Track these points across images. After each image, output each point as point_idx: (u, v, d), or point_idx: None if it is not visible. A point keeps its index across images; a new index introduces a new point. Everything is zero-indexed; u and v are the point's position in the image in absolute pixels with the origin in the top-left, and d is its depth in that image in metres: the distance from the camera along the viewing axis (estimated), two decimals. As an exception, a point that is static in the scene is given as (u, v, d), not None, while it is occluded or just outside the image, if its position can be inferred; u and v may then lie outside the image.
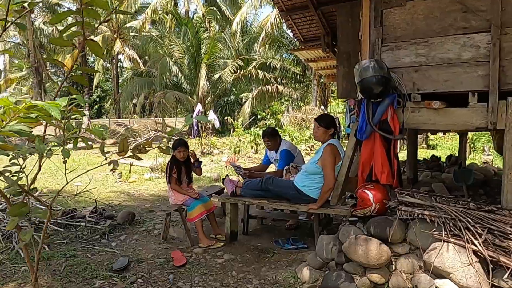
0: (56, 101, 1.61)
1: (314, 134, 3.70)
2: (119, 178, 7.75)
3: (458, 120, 2.97)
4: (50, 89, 23.87)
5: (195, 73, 20.03)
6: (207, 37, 20.05)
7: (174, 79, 21.38)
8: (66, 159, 1.78)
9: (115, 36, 24.03)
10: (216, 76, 20.76)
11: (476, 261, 2.44)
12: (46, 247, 3.73)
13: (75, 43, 1.84)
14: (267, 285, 3.00)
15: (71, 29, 1.67)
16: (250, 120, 20.51)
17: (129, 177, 7.87)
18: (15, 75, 26.58)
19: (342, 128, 10.66)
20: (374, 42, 3.22)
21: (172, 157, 4.06)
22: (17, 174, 1.88)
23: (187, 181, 4.14)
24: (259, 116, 21.32)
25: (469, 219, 2.56)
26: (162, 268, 3.31)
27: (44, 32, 22.77)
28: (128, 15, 24.32)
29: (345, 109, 9.59)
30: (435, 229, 2.66)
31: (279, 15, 13.88)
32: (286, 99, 22.16)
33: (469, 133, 9.85)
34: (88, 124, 18.86)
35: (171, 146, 4.16)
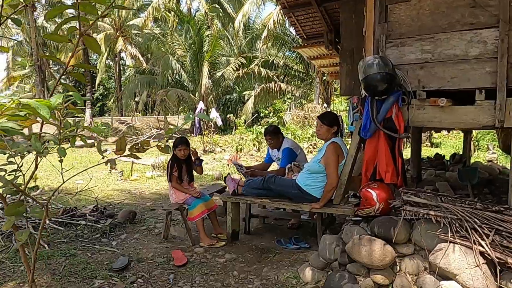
0: (51, 98, 1.57)
1: (317, 132, 3.64)
2: (120, 176, 7.72)
3: (464, 118, 2.90)
4: (53, 87, 23.88)
5: (197, 71, 19.96)
6: (209, 35, 19.97)
7: (176, 77, 21.32)
8: (62, 157, 1.74)
9: (117, 34, 24.00)
10: (219, 74, 20.68)
11: (483, 263, 2.38)
12: (46, 246, 3.70)
13: (71, 39, 1.79)
14: (269, 286, 2.95)
15: (72, 26, 1.63)
16: (253, 118, 20.44)
17: (131, 175, 7.85)
18: (18, 73, 26.63)
19: (345, 126, 10.59)
20: (379, 38, 3.15)
21: (173, 155, 4.01)
22: (14, 173, 1.84)
23: (188, 180, 4.09)
24: (261, 114, 21.25)
25: (476, 220, 2.50)
26: (163, 268, 3.27)
27: (47, 30, 22.75)
28: (130, 13, 24.30)
29: (348, 107, 9.51)
30: (440, 229, 2.60)
31: (281, 12, 13.80)
32: (288, 97, 22.09)
33: (473, 131, 9.76)
34: (90, 122, 18.85)
35: (172, 144, 4.12)
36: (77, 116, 19.96)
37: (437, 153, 8.09)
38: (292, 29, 19.74)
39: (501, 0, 2.72)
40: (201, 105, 17.59)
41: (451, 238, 2.51)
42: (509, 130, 3.60)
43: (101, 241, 3.93)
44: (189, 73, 20.70)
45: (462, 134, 10.63)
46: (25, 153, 1.76)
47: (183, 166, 4.00)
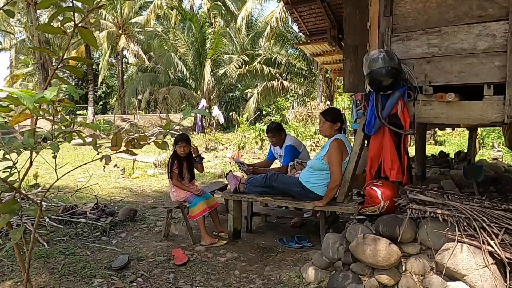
0: (45, 92, 1.50)
1: (320, 129, 3.57)
2: (122, 174, 7.68)
3: (472, 114, 2.81)
4: (56, 85, 23.86)
5: (199, 68, 19.90)
6: (211, 32, 19.90)
7: (178, 74, 21.28)
8: (56, 153, 1.68)
9: (119, 32, 23.98)
10: (221, 71, 20.61)
11: (492, 263, 2.30)
12: (45, 244, 3.66)
13: (66, 31, 1.73)
14: (271, 285, 2.88)
15: (67, 17, 1.57)
16: (255, 116, 20.37)
17: (132, 173, 7.80)
18: (21, 71, 26.68)
19: (348, 124, 10.50)
20: (384, 32, 3.07)
21: (174, 153, 3.96)
22: (9, 170, 1.79)
23: (189, 177, 4.04)
24: (264, 112, 21.18)
25: (485, 218, 2.42)
26: (163, 267, 3.22)
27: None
28: (133, 11, 24.26)
29: (351, 105, 9.42)
30: (448, 228, 2.53)
31: (284, 9, 13.70)
32: (291, 94, 21.98)
33: (478, 128, 9.65)
34: (92, 120, 18.84)
35: (173, 141, 4.06)
36: (80, 114, 19.97)
37: (441, 151, 8.00)
38: (295, 26, 19.65)
39: (511, -9, 2.64)
40: (203, 102, 17.54)
41: (458, 238, 2.43)
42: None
43: (101, 240, 3.88)
44: (191, 71, 20.64)
45: (466, 132, 10.53)
46: (21, 149, 1.71)
47: (183, 163, 3.94)
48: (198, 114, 17.96)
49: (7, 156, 1.72)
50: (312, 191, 3.40)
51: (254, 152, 11.88)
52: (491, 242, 2.34)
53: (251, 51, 22.19)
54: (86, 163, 1.74)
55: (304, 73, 21.73)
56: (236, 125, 17.48)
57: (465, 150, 7.97)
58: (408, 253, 2.67)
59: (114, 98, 31.63)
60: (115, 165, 8.74)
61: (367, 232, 2.80)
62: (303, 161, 3.99)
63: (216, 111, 16.90)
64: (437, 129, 13.11)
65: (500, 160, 9.15)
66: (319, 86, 19.81)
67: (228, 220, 3.87)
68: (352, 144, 3.45)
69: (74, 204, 4.80)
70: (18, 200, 1.80)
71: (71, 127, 1.79)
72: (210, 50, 19.22)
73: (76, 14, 1.53)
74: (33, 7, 17.38)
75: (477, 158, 7.78)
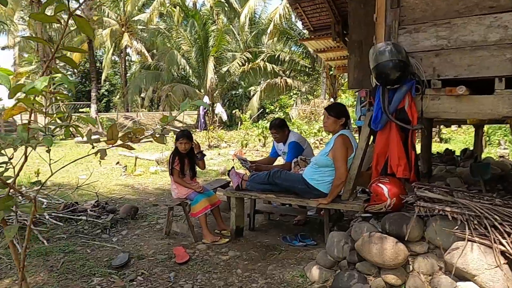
0: (35, 82, 1.44)
1: (324, 125, 3.48)
2: (124, 172, 7.63)
3: (482, 108, 2.72)
4: (58, 82, 23.86)
5: (202, 66, 19.81)
6: (215, 30, 19.79)
7: (182, 72, 21.21)
8: (49, 147, 1.61)
9: (123, 29, 23.93)
10: (224, 69, 20.51)
11: (504, 263, 2.22)
12: (45, 241, 3.60)
13: (59, 19, 1.65)
14: (274, 285, 2.81)
15: (61, 4, 1.49)
16: (258, 113, 20.28)
17: (135, 170, 7.75)
18: (25, 69, 26.71)
19: (352, 121, 10.40)
20: (391, 24, 2.97)
21: (175, 149, 3.89)
22: (4, 165, 1.72)
23: (190, 174, 3.97)
24: (267, 110, 21.08)
25: (496, 216, 2.33)
26: (164, 265, 3.15)
27: (53, 26, 22.74)
28: (136, 8, 24.20)
29: (355, 102, 9.30)
30: (457, 227, 2.44)
31: (287, 4, 13.58)
32: (294, 92, 21.86)
33: (485, 126, 9.51)
34: (95, 117, 18.84)
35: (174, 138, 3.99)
36: (82, 112, 19.98)
37: (447, 148, 7.89)
38: (298, 24, 19.54)
39: (524, -19, 2.54)
40: (205, 99, 17.48)
41: (469, 236, 2.34)
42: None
43: (101, 237, 3.83)
44: (194, 69, 20.57)
45: (471, 130, 10.39)
46: (17, 144, 1.65)
47: (185, 160, 3.87)
48: (201, 112, 17.92)
49: (2, 151, 1.65)
50: (316, 188, 3.32)
51: (257, 150, 11.80)
52: (503, 241, 2.24)
53: (254, 49, 22.07)
54: (80, 158, 1.68)
55: (307, 70, 21.60)
56: (239, 122, 17.40)
57: (471, 148, 7.85)
58: (416, 252, 2.58)
59: (117, 96, 31.63)
60: (117, 163, 8.70)
61: (373, 230, 2.72)
62: (307, 158, 3.91)
63: (219, 109, 16.85)
64: (442, 126, 12.96)
65: (507, 157, 9.02)
66: (323, 84, 19.68)
67: (230, 218, 3.80)
68: (357, 140, 3.37)
69: (75, 201, 4.75)
70: (14, 196, 1.74)
71: (68, 121, 1.73)
72: (213, 48, 19.13)
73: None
74: (37, 5, 17.36)
75: (483, 156, 7.66)
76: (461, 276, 2.33)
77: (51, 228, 4.00)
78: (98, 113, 20.71)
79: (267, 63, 20.10)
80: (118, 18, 23.97)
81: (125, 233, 3.96)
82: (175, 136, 3.98)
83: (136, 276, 2.96)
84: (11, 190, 1.75)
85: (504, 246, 2.23)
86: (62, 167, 1.73)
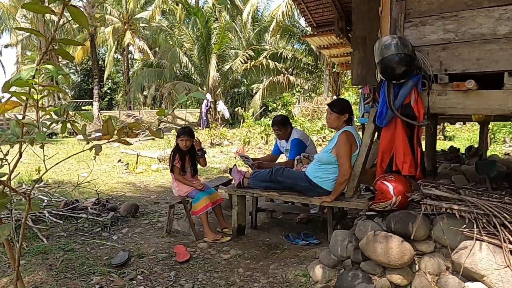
0: (21, 73, 1.38)
1: (327, 121, 3.41)
2: (125, 169, 7.59)
3: (490, 104, 2.64)
4: (62, 81, 23.89)
5: (205, 63, 19.72)
6: (217, 27, 19.70)
7: (184, 70, 21.14)
8: (43, 143, 1.55)
9: (125, 27, 23.90)
10: (227, 66, 20.41)
11: (514, 263, 2.15)
12: (44, 240, 3.56)
13: (53, 10, 1.59)
14: (276, 284, 2.75)
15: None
16: (261, 111, 20.19)
17: (136, 168, 7.71)
18: (28, 67, 26.75)
19: (355, 118, 10.33)
20: (396, 18, 2.89)
21: (176, 146, 3.84)
22: (-1, 162, 1.67)
23: (192, 172, 3.91)
24: (269, 108, 20.98)
25: (506, 215, 2.25)
26: (164, 264, 3.10)
27: (55, 23, 22.73)
28: (138, 6, 24.16)
29: (358, 99, 9.22)
30: (465, 225, 2.37)
31: (290, 0, 13.47)
32: (297, 90, 21.74)
33: (490, 123, 9.39)
34: (98, 115, 18.83)
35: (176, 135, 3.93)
36: (85, 110, 19.96)
37: (451, 146, 7.80)
38: (301, 21, 19.41)
39: (535, -29, 2.45)
40: (208, 97, 17.41)
41: (477, 235, 2.27)
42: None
43: (101, 235, 3.78)
44: (196, 66, 20.49)
45: (476, 127, 10.28)
46: (13, 141, 1.60)
47: (186, 157, 3.81)
48: (203, 110, 17.86)
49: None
50: (320, 185, 3.25)
51: (260, 148, 11.73)
52: (513, 240, 2.18)
53: (256, 46, 21.96)
54: (74, 154, 1.62)
55: (310, 68, 21.46)
56: (242, 120, 17.32)
57: (476, 145, 7.75)
58: (422, 251, 2.52)
59: (120, 94, 31.63)
60: (119, 160, 8.66)
61: (378, 229, 2.66)
62: (310, 155, 3.84)
63: (221, 106, 16.77)
64: (446, 124, 12.85)
65: (512, 155, 8.91)
66: (326, 81, 19.56)
67: (232, 216, 3.74)
68: (361, 137, 3.29)
69: (75, 199, 4.71)
70: (8, 194, 1.69)
71: (65, 116, 1.67)
72: (215, 45, 19.03)
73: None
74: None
75: (488, 154, 7.56)
76: (469, 276, 2.26)
77: (51, 226, 3.96)
78: (101, 111, 20.68)
79: (269, 61, 20.00)
80: (121, 16, 23.94)
81: (126, 231, 3.92)
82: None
83: (136, 275, 2.91)
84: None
85: (514, 246, 2.16)
86: (56, 164, 1.67)
